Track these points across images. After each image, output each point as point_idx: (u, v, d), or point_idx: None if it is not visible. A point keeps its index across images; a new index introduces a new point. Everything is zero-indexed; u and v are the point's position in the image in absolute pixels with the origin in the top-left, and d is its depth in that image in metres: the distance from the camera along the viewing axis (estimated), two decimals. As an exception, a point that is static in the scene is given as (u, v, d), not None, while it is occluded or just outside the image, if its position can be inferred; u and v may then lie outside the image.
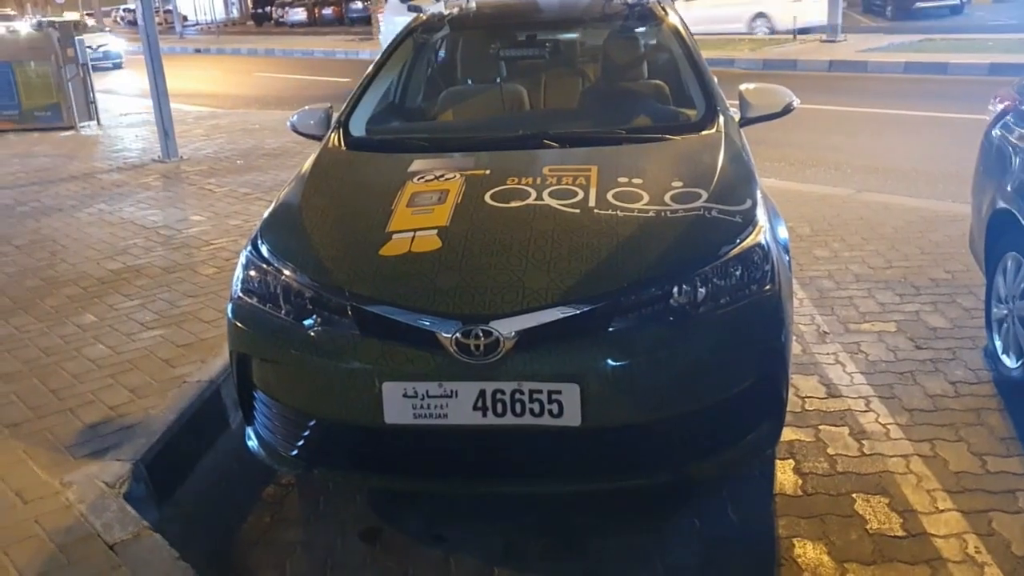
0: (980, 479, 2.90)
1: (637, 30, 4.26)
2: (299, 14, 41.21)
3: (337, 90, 10.09)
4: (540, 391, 2.39)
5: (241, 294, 2.80)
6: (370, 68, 4.08)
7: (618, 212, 2.76)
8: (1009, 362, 3.49)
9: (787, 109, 3.61)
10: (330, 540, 2.81)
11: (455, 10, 4.42)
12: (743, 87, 3.72)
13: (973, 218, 4.01)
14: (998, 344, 3.62)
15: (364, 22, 32.74)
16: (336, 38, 29.62)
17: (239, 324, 2.77)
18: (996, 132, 3.87)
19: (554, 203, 2.83)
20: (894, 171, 7.32)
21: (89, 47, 20.05)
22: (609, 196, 2.84)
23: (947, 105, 9.91)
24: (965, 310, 4.19)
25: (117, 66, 23.61)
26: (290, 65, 22.37)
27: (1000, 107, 3.92)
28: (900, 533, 2.65)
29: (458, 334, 2.38)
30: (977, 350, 3.79)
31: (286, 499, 3.04)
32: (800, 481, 2.95)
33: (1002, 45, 14.69)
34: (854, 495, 2.85)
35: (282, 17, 42.42)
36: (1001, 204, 3.55)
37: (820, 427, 3.27)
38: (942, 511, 2.74)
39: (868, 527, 2.69)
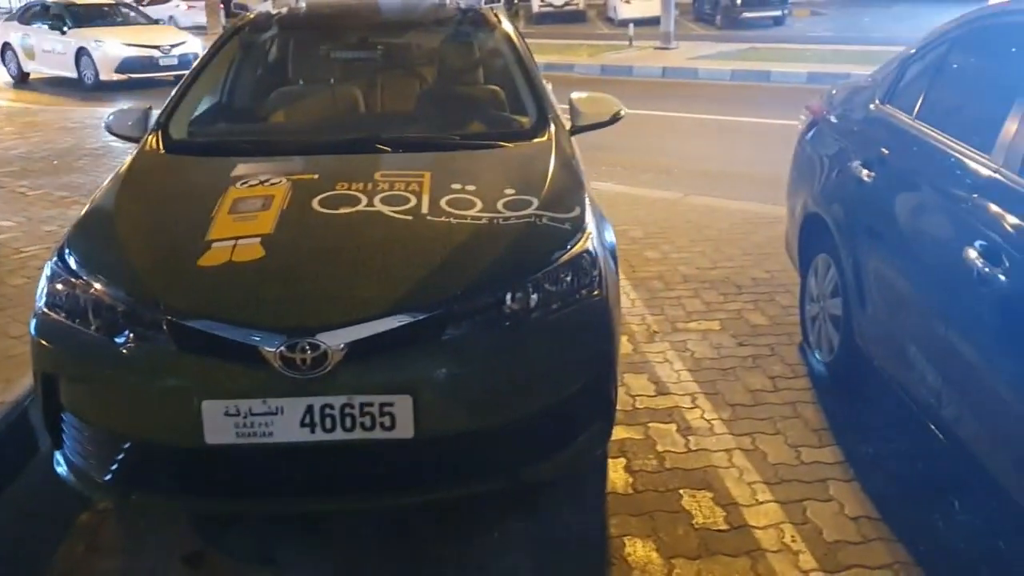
0: (795, 470, 3.06)
1: (470, 36, 4.27)
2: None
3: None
4: (371, 404, 2.34)
5: (46, 309, 2.61)
6: (193, 67, 3.90)
7: (451, 219, 2.74)
8: (821, 357, 3.72)
9: (615, 118, 3.71)
10: (151, 567, 2.65)
11: (283, 10, 4.29)
12: (574, 96, 3.80)
13: (788, 221, 4.25)
14: (811, 340, 3.85)
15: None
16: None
17: (44, 341, 2.58)
18: (807, 140, 4.12)
19: (386, 209, 2.78)
20: (721, 175, 7.69)
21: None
22: (442, 203, 2.82)
23: (769, 111, 10.47)
24: (783, 308, 4.44)
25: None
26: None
27: (810, 117, 4.16)
28: (723, 526, 2.77)
29: (283, 348, 2.30)
30: (793, 346, 4.02)
31: (102, 526, 2.84)
32: (631, 479, 3.03)
33: (819, 55, 15.73)
34: (681, 491, 2.95)
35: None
36: (812, 208, 3.78)
37: (650, 425, 3.37)
38: (761, 503, 2.88)
39: (694, 522, 2.79)
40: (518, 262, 2.61)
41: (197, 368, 2.38)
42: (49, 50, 15.18)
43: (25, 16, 16.35)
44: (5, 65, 16.54)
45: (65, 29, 14.90)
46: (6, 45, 16.32)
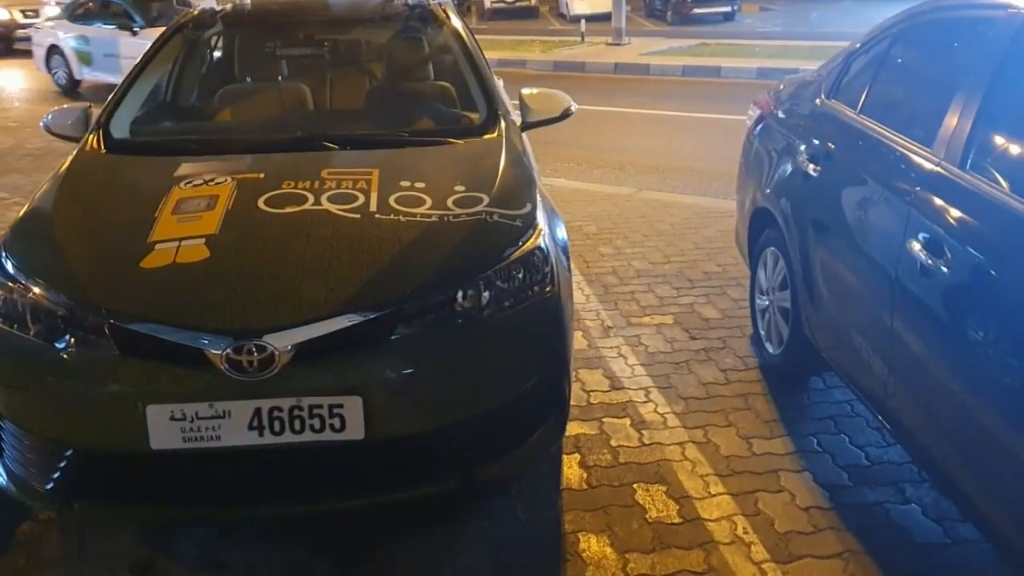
0: (747, 461, 3.09)
1: (419, 32, 4.24)
2: None
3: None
4: (320, 406, 2.30)
5: (-19, 315, 2.52)
6: (135, 65, 3.81)
7: (400, 217, 2.71)
8: (771, 349, 3.76)
9: (565, 114, 3.71)
10: (97, 577, 2.60)
11: (228, 6, 4.21)
12: (524, 91, 3.79)
13: (738, 215, 4.29)
14: (762, 332, 3.89)
15: None
16: None
17: None
18: (755, 136, 4.16)
19: (333, 208, 2.75)
20: (673, 170, 7.74)
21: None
22: (391, 200, 2.79)
23: (720, 107, 10.57)
24: (734, 301, 4.48)
25: None
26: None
27: (758, 112, 4.20)
28: (677, 520, 2.78)
29: (229, 350, 2.25)
30: (744, 338, 4.06)
31: (44, 537, 2.77)
32: (585, 474, 3.03)
33: (768, 51, 15.90)
34: (635, 485, 2.96)
35: None
36: (760, 203, 3.82)
37: (604, 419, 3.38)
38: (714, 495, 2.90)
39: (648, 516, 2.80)
40: (469, 259, 2.59)
41: (141, 372, 2.32)
42: (113, 54, 12.03)
43: (77, 14, 13.26)
44: (51, 72, 13.56)
45: (136, 29, 11.87)
46: (52, 48, 13.32)
